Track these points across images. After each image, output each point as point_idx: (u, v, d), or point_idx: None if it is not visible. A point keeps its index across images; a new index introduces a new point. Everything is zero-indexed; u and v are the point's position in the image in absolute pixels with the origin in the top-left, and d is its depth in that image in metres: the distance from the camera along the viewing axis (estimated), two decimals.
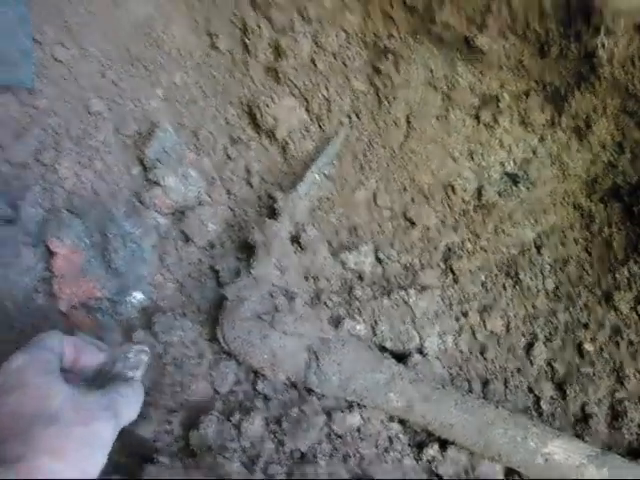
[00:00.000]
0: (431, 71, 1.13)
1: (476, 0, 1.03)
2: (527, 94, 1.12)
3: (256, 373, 1.07)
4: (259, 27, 1.20)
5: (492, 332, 1.14)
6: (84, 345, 0.76)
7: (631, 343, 1.06)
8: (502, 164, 1.17)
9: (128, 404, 0.71)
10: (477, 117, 1.14)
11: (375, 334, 1.12)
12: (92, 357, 0.76)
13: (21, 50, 1.20)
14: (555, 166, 1.17)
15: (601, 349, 1.07)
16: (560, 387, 1.10)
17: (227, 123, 1.23)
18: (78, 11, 1.20)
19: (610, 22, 0.92)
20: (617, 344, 1.06)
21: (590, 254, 1.17)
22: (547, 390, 1.10)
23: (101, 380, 0.74)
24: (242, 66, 1.22)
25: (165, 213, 1.17)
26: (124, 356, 0.78)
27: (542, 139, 1.16)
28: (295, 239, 1.17)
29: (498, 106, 1.13)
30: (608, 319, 1.08)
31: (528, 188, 1.18)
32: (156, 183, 1.16)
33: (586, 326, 1.09)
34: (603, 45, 0.95)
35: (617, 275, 1.11)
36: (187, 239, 1.18)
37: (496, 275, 1.17)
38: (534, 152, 1.16)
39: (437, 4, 1.07)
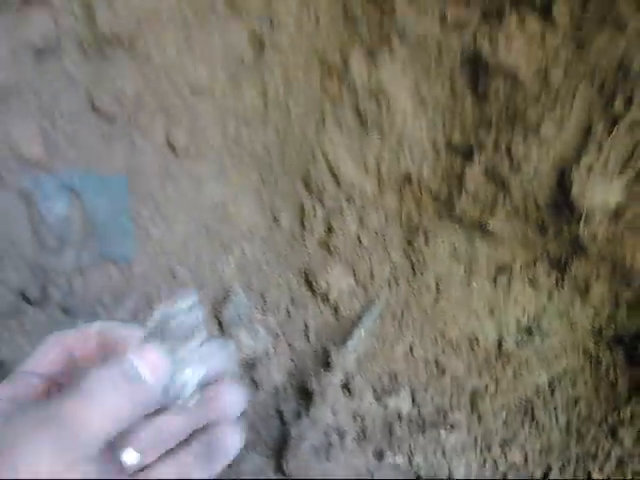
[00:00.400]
0: (454, 246, 1.51)
1: (485, 194, 1.42)
2: (534, 262, 1.48)
3: None
4: (314, 209, 1.59)
5: (512, 463, 1.42)
6: (107, 327, 0.55)
7: (636, 473, 1.33)
8: (518, 319, 1.51)
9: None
10: (495, 282, 1.50)
11: (411, 465, 1.41)
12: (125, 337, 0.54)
13: (123, 230, 1.59)
14: (563, 319, 1.50)
15: (608, 478, 1.35)
16: None
17: (288, 287, 1.59)
18: (167, 194, 1.60)
19: (587, 213, 1.29)
20: (622, 473, 1.33)
21: (598, 394, 1.47)
22: None
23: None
24: (300, 240, 1.60)
25: (238, 364, 1.50)
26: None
27: (550, 298, 1.50)
28: (345, 386, 1.48)
29: (511, 273, 1.49)
30: (614, 451, 1.36)
31: (541, 338, 1.50)
32: (231, 339, 1.50)
33: (594, 457, 1.37)
34: (584, 230, 1.32)
35: (621, 413, 1.41)
36: (256, 385, 1.50)
37: (515, 414, 1.46)
38: (544, 309, 1.50)
39: (456, 195, 1.47)
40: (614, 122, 1.22)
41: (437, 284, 1.52)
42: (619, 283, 1.42)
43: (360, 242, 1.56)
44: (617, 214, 1.28)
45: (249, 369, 1.52)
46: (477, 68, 1.36)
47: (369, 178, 1.56)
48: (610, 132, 1.22)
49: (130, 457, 0.53)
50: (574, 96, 1.24)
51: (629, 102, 1.19)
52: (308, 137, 1.55)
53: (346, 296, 1.55)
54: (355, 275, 1.56)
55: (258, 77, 1.56)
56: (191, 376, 0.52)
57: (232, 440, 0.55)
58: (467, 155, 1.43)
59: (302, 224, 1.60)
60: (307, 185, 1.60)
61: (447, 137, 1.46)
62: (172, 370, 0.50)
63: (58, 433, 0.41)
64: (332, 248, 1.56)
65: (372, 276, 1.55)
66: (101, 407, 0.44)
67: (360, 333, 1.51)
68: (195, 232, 1.61)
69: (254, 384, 1.51)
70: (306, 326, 1.56)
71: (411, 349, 1.53)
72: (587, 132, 1.25)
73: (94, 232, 1.52)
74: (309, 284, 1.57)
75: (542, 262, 1.47)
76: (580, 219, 1.31)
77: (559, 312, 1.50)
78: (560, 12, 1.22)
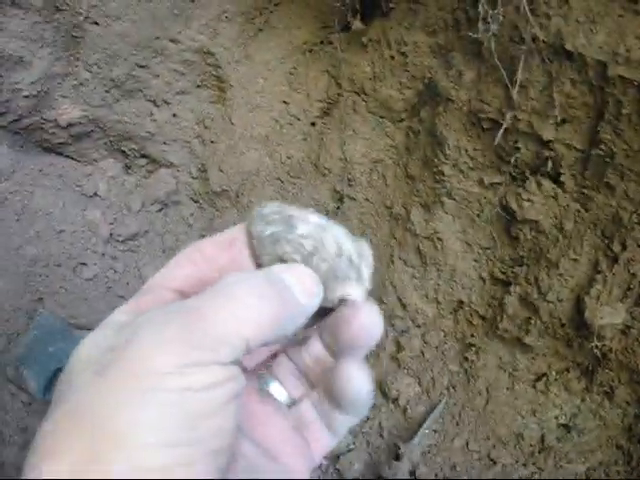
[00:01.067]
0: (500, 358, 2.07)
1: (521, 316, 2.00)
2: (567, 370, 2.01)
3: None
4: (385, 330, 2.18)
5: None
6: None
7: None
8: (556, 417, 2.03)
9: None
10: (534, 387, 2.03)
11: None
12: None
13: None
14: (596, 418, 2.01)
15: None
16: None
17: None
18: None
19: (599, 331, 1.84)
20: None
21: None
22: None
23: None
24: (375, 355, 2.19)
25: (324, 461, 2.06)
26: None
27: (583, 400, 2.02)
28: (412, 474, 2.01)
29: (548, 379, 2.02)
30: None
31: (578, 434, 2.01)
32: None
33: None
34: (600, 345, 1.87)
35: None
36: (340, 474, 2.04)
37: None
38: (579, 409, 2.02)
39: (499, 317, 2.05)
40: (615, 260, 1.80)
41: (487, 389, 2.06)
42: (638, 388, 1.95)
43: (424, 356, 2.13)
44: (625, 331, 1.83)
45: (334, 461, 2.08)
46: (509, 218, 1.97)
47: (429, 304, 2.16)
48: (612, 268, 1.80)
49: (278, 392, 0.55)
50: (583, 240, 1.83)
51: (624, 245, 1.77)
52: (380, 271, 2.18)
53: (413, 401, 2.10)
54: (420, 383, 2.13)
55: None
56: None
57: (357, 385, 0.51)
58: (506, 285, 2.02)
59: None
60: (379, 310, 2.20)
61: (490, 271, 2.07)
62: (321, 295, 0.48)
63: (187, 327, 0.39)
64: (401, 362, 2.15)
65: (434, 384, 2.11)
66: (240, 306, 0.41)
67: (424, 431, 2.06)
68: None
69: (338, 473, 2.06)
70: (380, 426, 2.12)
71: (467, 444, 2.05)
72: (595, 267, 1.82)
73: None
74: (383, 392, 2.14)
75: (573, 370, 2.00)
76: (592, 333, 1.87)
77: (592, 412, 2.01)
78: (567, 178, 1.83)
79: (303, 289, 0.47)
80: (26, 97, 2.14)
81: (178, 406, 0.38)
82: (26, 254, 2.15)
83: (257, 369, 0.56)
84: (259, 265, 0.51)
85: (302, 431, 0.54)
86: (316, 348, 0.55)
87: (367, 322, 0.51)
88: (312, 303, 0.48)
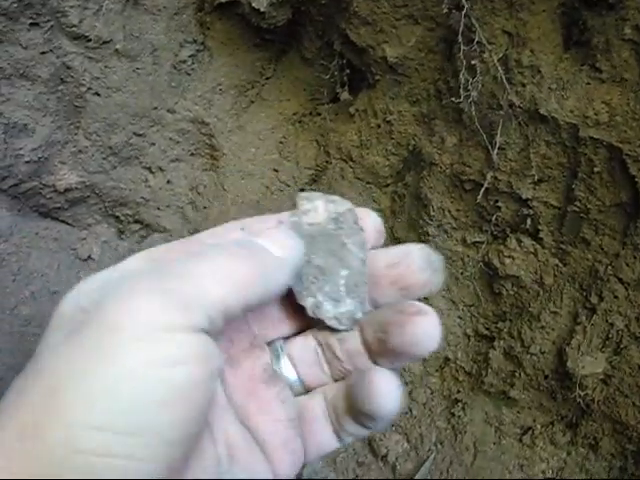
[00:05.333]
0: (486, 413, 2.10)
1: (505, 370, 2.05)
2: (552, 423, 2.04)
3: None
4: None
5: None
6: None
7: None
8: (543, 472, 2.05)
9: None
10: (521, 441, 2.05)
11: None
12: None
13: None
14: (582, 472, 2.04)
15: None
16: None
17: (355, 452, 2.16)
18: None
19: (581, 381, 1.90)
20: None
21: None
22: None
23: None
24: None
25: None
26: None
27: (568, 454, 2.04)
28: None
29: (534, 433, 2.05)
30: None
31: None
32: None
33: None
34: (582, 395, 1.92)
35: None
36: None
37: None
38: (565, 462, 2.04)
39: (484, 372, 2.09)
40: (593, 311, 1.87)
41: (474, 445, 2.08)
42: (622, 439, 1.99)
43: (411, 413, 2.16)
44: (606, 381, 1.89)
45: None
46: (492, 275, 2.05)
47: (416, 362, 2.20)
48: (591, 318, 1.87)
49: (288, 370, 0.52)
50: (562, 293, 1.91)
51: (601, 296, 1.85)
52: None
53: (401, 457, 2.12)
54: (408, 440, 2.14)
55: None
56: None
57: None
58: (490, 340, 2.08)
59: None
60: None
61: (474, 327, 2.13)
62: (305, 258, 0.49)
63: (158, 289, 0.37)
64: None
65: (422, 440, 2.13)
66: (213, 266, 0.40)
67: None
68: None
69: None
70: None
71: None
72: (575, 319, 1.89)
73: None
74: (372, 449, 2.15)
75: (558, 423, 2.04)
76: (575, 385, 1.92)
77: (578, 465, 2.03)
78: (545, 235, 1.92)
79: (278, 245, 0.45)
80: (27, 162, 2.22)
81: (133, 383, 0.35)
82: (20, 314, 2.17)
83: (274, 342, 0.53)
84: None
85: (302, 424, 0.51)
86: (353, 341, 0.52)
87: (431, 330, 0.47)
88: (290, 255, 0.46)
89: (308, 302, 0.51)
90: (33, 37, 2.11)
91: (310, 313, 0.51)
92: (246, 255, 0.42)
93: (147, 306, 0.37)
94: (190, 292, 0.38)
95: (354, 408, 0.49)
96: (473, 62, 1.82)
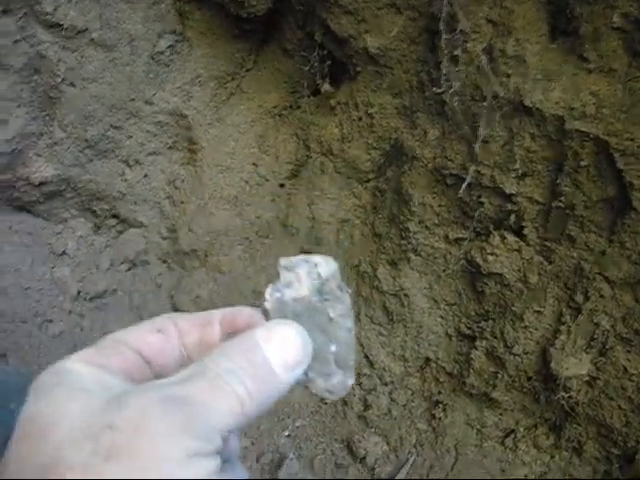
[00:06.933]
0: (467, 415, 2.00)
1: (488, 371, 1.95)
2: (535, 426, 1.95)
3: None
4: (353, 388, 2.12)
5: None
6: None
7: None
8: (526, 476, 1.95)
9: None
10: (503, 444, 1.95)
11: None
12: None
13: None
14: (566, 476, 1.95)
15: None
16: None
17: (333, 454, 2.06)
18: None
19: (565, 383, 1.80)
20: None
21: None
22: None
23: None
24: (342, 414, 2.11)
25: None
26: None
27: (552, 457, 1.94)
28: None
29: (516, 436, 1.95)
30: None
31: None
32: None
33: None
34: (566, 397, 1.82)
35: None
36: None
37: None
38: (548, 467, 1.94)
39: (466, 373, 1.99)
40: (578, 311, 1.78)
41: (456, 447, 1.98)
42: (607, 442, 1.89)
43: (391, 414, 2.06)
44: (591, 383, 1.79)
45: None
46: (474, 272, 1.96)
47: (396, 362, 2.10)
48: (575, 318, 1.77)
49: None
50: (546, 292, 1.81)
51: (586, 295, 1.75)
52: None
53: (381, 459, 2.01)
54: (388, 442, 2.04)
55: None
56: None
57: None
58: (472, 340, 1.99)
59: (344, 401, 2.12)
60: None
61: (456, 327, 2.03)
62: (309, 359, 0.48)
63: (187, 415, 0.38)
64: (369, 420, 2.07)
65: (402, 442, 2.03)
66: (230, 396, 0.41)
67: None
68: None
69: None
70: None
71: None
72: (559, 319, 1.80)
73: None
74: (350, 450, 2.05)
75: (541, 425, 1.94)
76: (558, 386, 1.82)
77: (561, 470, 1.94)
78: (530, 231, 1.82)
79: (285, 365, 0.46)
80: (0, 154, 2.11)
81: None
82: None
83: None
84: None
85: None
86: None
87: None
88: (292, 377, 0.47)
89: (299, 380, 0.49)
90: (6, 25, 2.00)
91: (301, 385, 0.51)
92: (258, 383, 0.44)
93: (183, 440, 0.39)
94: (214, 425, 0.41)
95: None
96: (455, 52, 1.73)
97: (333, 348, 0.51)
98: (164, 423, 0.38)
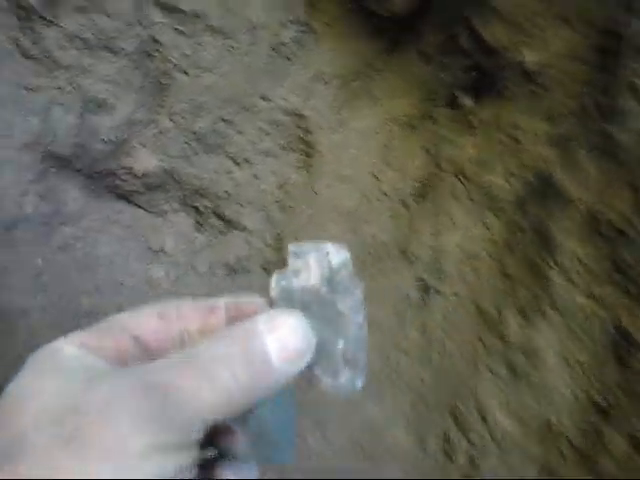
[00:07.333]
0: None
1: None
2: None
3: None
4: (459, 441, 1.88)
5: None
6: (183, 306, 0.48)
7: None
8: None
9: None
10: None
11: None
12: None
13: (286, 438, 1.93)
14: None
15: None
16: None
17: None
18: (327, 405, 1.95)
19: None
20: None
21: None
22: None
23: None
24: (443, 468, 1.88)
25: None
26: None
27: None
28: None
29: None
30: None
31: None
32: None
33: None
34: None
35: None
36: None
37: None
38: None
39: (600, 453, 1.71)
40: None
41: None
42: None
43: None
44: None
45: None
46: (619, 339, 1.66)
47: (513, 422, 1.84)
48: None
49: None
50: None
51: None
52: (461, 376, 1.88)
53: None
54: None
55: (421, 317, 1.93)
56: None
57: None
58: (607, 415, 1.70)
59: (446, 453, 1.89)
60: (455, 419, 1.91)
61: (589, 395, 1.75)
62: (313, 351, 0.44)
63: (159, 402, 0.36)
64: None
65: None
66: (214, 385, 0.38)
67: None
68: (350, 447, 1.93)
69: None
70: None
71: None
72: None
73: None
74: None
75: None
76: None
77: None
78: None
79: (284, 356, 0.42)
80: (104, 141, 1.95)
81: None
82: (82, 304, 1.94)
83: None
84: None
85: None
86: None
87: None
88: (291, 370, 0.43)
89: (305, 375, 0.46)
90: (120, 5, 1.81)
91: (307, 382, 0.47)
92: (249, 372, 0.40)
93: (152, 430, 0.36)
94: (189, 415, 0.38)
95: None
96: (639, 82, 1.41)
97: (341, 344, 0.47)
98: (130, 410, 0.36)
